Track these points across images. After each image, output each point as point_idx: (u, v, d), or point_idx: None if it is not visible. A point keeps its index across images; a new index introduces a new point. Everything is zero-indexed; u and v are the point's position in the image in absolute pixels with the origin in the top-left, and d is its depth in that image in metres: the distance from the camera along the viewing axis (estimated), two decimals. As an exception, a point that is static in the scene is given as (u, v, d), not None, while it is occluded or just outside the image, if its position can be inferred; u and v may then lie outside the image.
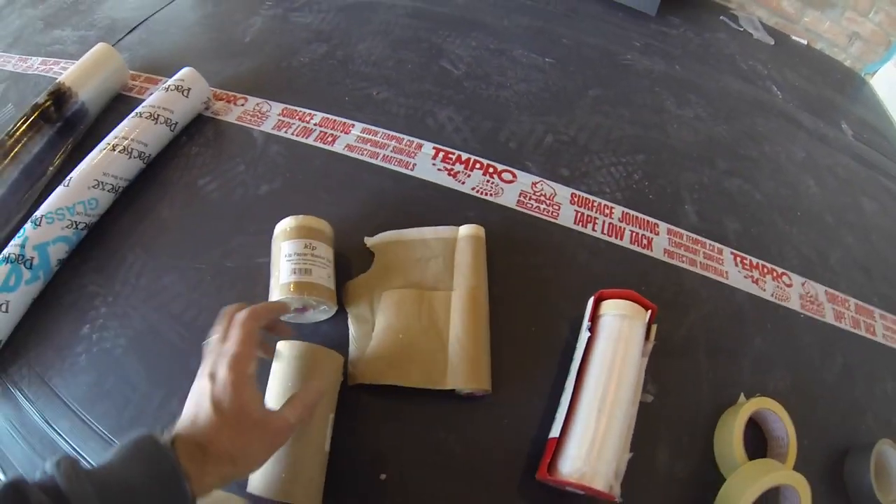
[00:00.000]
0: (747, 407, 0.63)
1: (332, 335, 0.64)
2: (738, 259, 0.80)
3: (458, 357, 0.58)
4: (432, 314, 0.62)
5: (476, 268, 0.65)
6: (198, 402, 0.41)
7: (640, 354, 0.59)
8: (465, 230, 0.68)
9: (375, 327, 0.62)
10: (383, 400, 0.60)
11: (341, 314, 0.65)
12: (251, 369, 0.43)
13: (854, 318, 0.81)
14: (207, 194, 0.78)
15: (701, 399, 0.66)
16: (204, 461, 0.37)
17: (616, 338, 0.59)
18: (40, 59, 1.10)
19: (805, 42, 1.39)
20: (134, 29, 1.09)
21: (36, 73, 1.06)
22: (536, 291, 0.70)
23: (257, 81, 0.95)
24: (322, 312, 0.63)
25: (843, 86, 1.31)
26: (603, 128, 0.92)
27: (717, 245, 0.81)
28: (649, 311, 0.61)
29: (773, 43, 1.32)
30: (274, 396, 0.53)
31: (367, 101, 0.91)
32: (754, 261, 0.81)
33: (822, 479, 0.64)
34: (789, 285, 0.80)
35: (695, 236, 0.80)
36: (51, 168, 0.83)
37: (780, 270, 0.81)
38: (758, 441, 0.65)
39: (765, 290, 0.78)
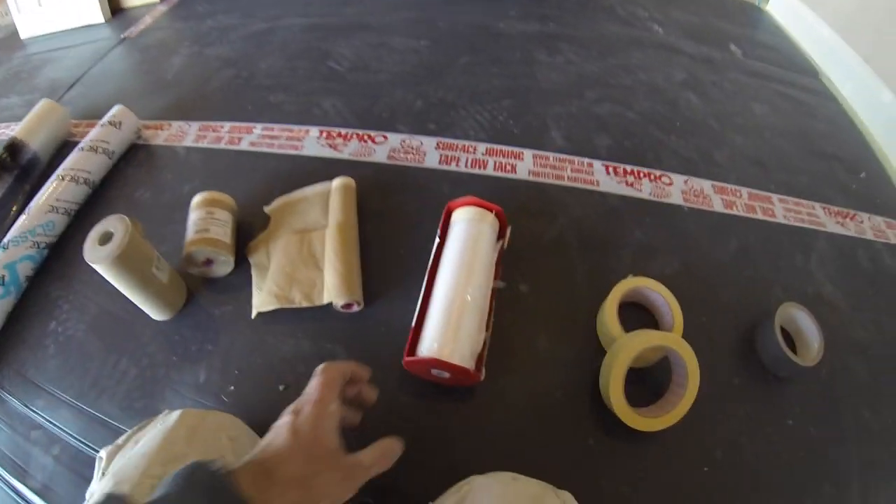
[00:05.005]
0: (621, 285, 0.71)
1: (237, 285, 0.78)
2: (611, 168, 0.91)
3: (331, 277, 0.72)
4: (311, 249, 0.77)
5: (344, 208, 0.80)
6: (276, 432, 0.42)
7: (490, 251, 0.68)
8: (336, 181, 0.84)
9: (269, 269, 0.77)
10: (281, 326, 0.73)
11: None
12: (332, 408, 0.45)
13: (748, 204, 0.90)
14: (143, 202, 0.93)
15: (577, 290, 0.76)
16: (269, 485, 0.37)
17: (464, 238, 0.70)
18: (-6, 125, 1.25)
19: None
20: (73, 86, 1.26)
21: (-7, 138, 1.20)
22: (404, 221, 0.83)
23: (179, 108, 1.13)
24: (224, 264, 0.78)
25: (737, 16, 1.42)
26: (470, 85, 1.07)
27: (587, 160, 0.92)
28: (493, 212, 0.70)
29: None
30: None
31: (266, 106, 1.09)
32: (628, 168, 0.92)
33: (735, 354, 0.71)
34: (669, 184, 0.90)
35: (562, 156, 0.92)
36: (14, 209, 0.96)
37: (657, 173, 0.91)
38: (647, 323, 0.72)
39: (640, 191, 0.87)
